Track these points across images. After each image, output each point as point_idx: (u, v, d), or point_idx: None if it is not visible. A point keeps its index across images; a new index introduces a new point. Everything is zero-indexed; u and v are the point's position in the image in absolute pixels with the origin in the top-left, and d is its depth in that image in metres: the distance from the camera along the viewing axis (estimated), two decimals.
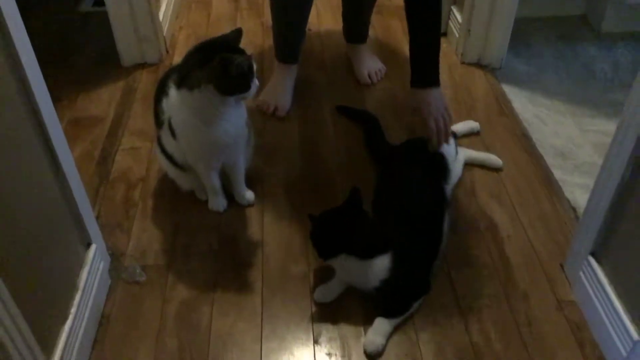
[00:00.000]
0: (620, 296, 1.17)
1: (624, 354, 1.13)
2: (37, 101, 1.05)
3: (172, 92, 1.31)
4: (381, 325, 1.23)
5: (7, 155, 0.98)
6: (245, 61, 1.23)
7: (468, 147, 1.66)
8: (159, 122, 1.41)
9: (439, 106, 1.44)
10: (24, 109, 1.04)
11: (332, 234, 1.23)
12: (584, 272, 1.27)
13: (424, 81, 1.46)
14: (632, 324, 1.12)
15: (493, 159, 1.63)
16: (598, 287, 1.22)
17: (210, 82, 1.24)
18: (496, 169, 1.62)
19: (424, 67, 1.46)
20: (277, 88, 1.85)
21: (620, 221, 1.17)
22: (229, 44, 1.29)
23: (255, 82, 1.29)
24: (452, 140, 1.54)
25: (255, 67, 1.28)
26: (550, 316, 1.27)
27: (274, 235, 1.47)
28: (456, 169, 1.55)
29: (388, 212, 1.35)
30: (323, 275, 1.34)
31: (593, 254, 1.25)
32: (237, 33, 1.30)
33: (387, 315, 1.24)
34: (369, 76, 1.95)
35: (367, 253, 1.22)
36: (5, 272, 0.89)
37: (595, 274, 1.23)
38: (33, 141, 1.07)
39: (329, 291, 1.30)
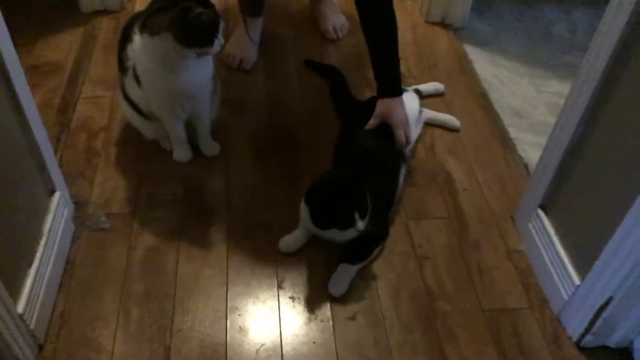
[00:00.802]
0: (565, 246, 1.25)
1: (566, 297, 1.22)
2: None
3: (136, 37, 1.29)
4: (345, 270, 1.28)
5: None
6: (208, 14, 1.21)
7: (430, 105, 1.71)
8: (123, 69, 1.39)
9: (402, 116, 1.50)
10: None
11: (339, 212, 1.21)
12: (532, 224, 1.35)
13: (387, 92, 1.50)
14: (575, 270, 1.21)
15: (452, 120, 1.68)
16: (545, 237, 1.30)
17: (169, 30, 1.22)
18: (454, 130, 1.68)
19: (386, 79, 1.51)
20: (243, 41, 1.84)
21: (568, 177, 1.24)
22: None
23: (220, 39, 1.27)
24: (416, 99, 1.59)
25: (222, 24, 1.26)
26: (500, 264, 1.36)
27: (238, 185, 1.49)
28: (417, 127, 1.60)
29: (349, 162, 1.40)
30: (286, 224, 1.38)
31: (542, 207, 1.33)
32: None
33: (351, 261, 1.29)
34: (334, 31, 1.95)
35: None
36: None
37: (543, 225, 1.31)
38: None
39: (294, 241, 1.35)
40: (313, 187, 1.27)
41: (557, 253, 1.26)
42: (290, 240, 1.35)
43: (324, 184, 1.26)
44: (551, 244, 1.28)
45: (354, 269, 1.29)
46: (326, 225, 1.25)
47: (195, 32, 1.23)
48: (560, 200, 1.28)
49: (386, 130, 1.49)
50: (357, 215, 1.20)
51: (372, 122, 1.50)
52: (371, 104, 1.60)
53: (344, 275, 1.28)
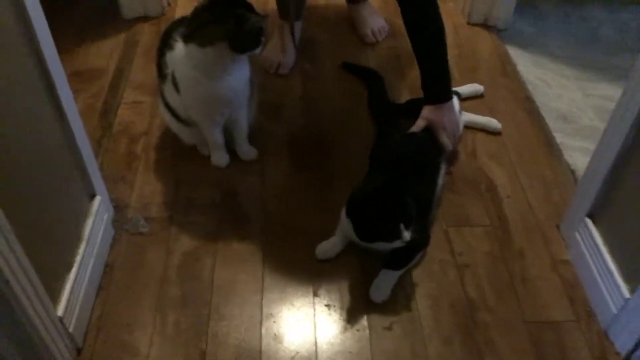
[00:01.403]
0: (614, 256, 1.19)
1: (614, 311, 1.16)
2: (42, 50, 1.04)
3: (179, 46, 1.30)
4: (387, 277, 1.26)
5: (14, 105, 0.98)
6: (259, 20, 1.24)
7: (471, 108, 1.67)
8: (161, 76, 1.41)
9: (454, 120, 1.46)
10: (31, 59, 1.04)
11: (384, 225, 1.19)
12: (579, 233, 1.29)
13: (437, 99, 1.46)
14: (624, 282, 1.15)
15: (493, 122, 1.64)
16: (593, 247, 1.24)
17: (225, 39, 1.24)
18: (495, 133, 1.63)
19: (435, 86, 1.46)
20: (280, 45, 1.84)
21: (619, 185, 1.18)
22: (240, 0, 1.28)
23: (262, 40, 1.30)
24: (456, 101, 1.54)
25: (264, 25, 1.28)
26: (545, 274, 1.30)
27: (274, 190, 1.48)
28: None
29: (386, 166, 1.37)
30: (321, 229, 1.36)
31: (590, 216, 1.27)
32: None
33: (394, 267, 1.27)
34: (373, 34, 1.93)
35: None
36: (13, 220, 0.91)
37: (591, 235, 1.25)
38: (39, 90, 1.07)
39: (331, 248, 1.33)
40: (354, 200, 1.23)
41: (605, 264, 1.20)
42: (327, 247, 1.33)
43: (365, 196, 1.22)
44: (599, 255, 1.22)
45: (396, 274, 1.27)
46: (372, 239, 1.23)
47: (248, 39, 1.26)
48: (610, 209, 1.22)
49: (426, 131, 1.45)
50: (402, 226, 1.17)
51: (419, 123, 1.45)
52: (409, 107, 1.58)
53: (386, 282, 1.25)
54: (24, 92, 1.02)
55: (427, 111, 1.46)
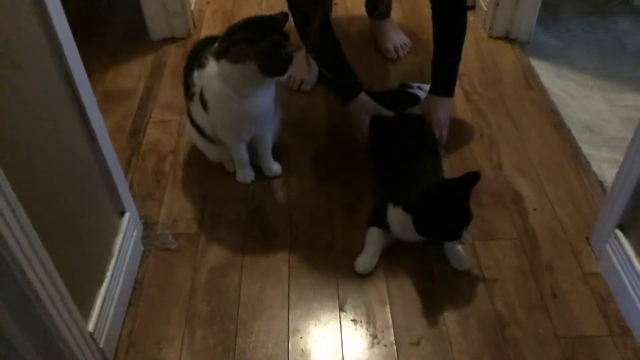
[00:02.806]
0: None
1: None
2: (72, 72, 1.08)
3: (211, 63, 1.32)
4: (454, 247, 1.33)
5: (45, 125, 1.01)
6: (293, 50, 1.27)
7: (496, 122, 1.66)
8: (189, 95, 1.43)
9: (442, 117, 1.57)
10: (61, 81, 1.07)
11: (452, 225, 1.22)
12: (610, 245, 1.27)
13: (439, 90, 1.58)
14: None
15: None
16: (625, 259, 1.22)
17: (256, 60, 1.26)
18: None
19: (442, 77, 1.58)
20: (303, 63, 1.85)
21: None
22: (277, 25, 1.31)
23: (290, 69, 1.32)
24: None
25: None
26: (575, 288, 1.28)
27: (300, 206, 1.49)
28: None
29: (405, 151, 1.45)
30: (349, 245, 1.37)
31: (620, 227, 1.25)
32: (284, 16, 1.33)
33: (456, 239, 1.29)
34: (395, 50, 1.94)
35: None
36: (45, 236, 0.93)
37: (622, 247, 1.23)
38: (69, 111, 1.10)
39: (370, 261, 1.33)
40: (423, 195, 1.23)
41: (638, 276, 1.18)
42: (366, 261, 1.33)
43: (433, 194, 1.23)
44: (632, 268, 1.20)
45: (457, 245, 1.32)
46: (434, 235, 1.25)
47: (278, 64, 1.29)
48: None
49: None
50: (465, 229, 1.21)
51: (414, 109, 1.57)
52: (384, 96, 1.64)
53: (458, 251, 1.32)
54: (55, 114, 1.05)
55: (427, 101, 1.56)
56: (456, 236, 1.22)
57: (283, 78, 1.33)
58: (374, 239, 1.34)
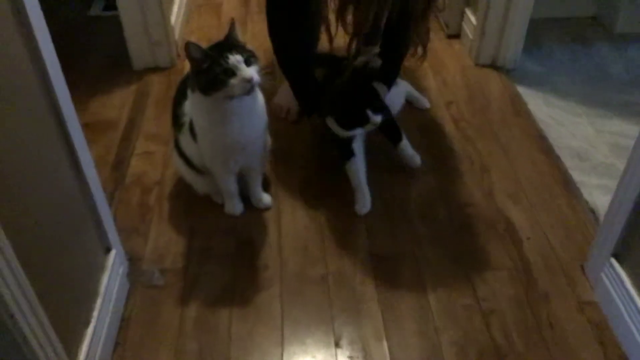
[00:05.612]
0: None
1: None
2: (59, 102, 1.04)
3: (189, 94, 1.31)
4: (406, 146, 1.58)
5: (30, 157, 0.97)
6: (222, 65, 1.18)
7: (485, 148, 1.66)
8: (178, 125, 1.41)
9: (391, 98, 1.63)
10: (47, 110, 1.03)
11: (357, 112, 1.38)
12: (605, 274, 1.26)
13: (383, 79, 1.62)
14: None
15: (424, 100, 1.84)
16: (620, 288, 1.21)
17: (197, 83, 1.24)
18: (423, 109, 1.84)
19: (387, 74, 1.62)
20: (289, 92, 1.84)
21: None
22: (225, 42, 1.25)
23: (244, 76, 1.20)
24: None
25: (238, 62, 1.20)
26: (572, 317, 1.26)
27: (291, 238, 1.46)
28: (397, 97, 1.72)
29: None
30: (341, 276, 1.34)
31: (615, 256, 1.24)
32: (231, 26, 1.25)
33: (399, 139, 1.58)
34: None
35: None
36: (31, 275, 0.89)
37: (618, 275, 1.22)
38: (54, 142, 1.06)
39: (368, 198, 1.50)
40: (328, 99, 1.44)
41: (635, 306, 1.17)
42: (365, 199, 1.50)
43: (336, 92, 1.43)
44: (628, 297, 1.19)
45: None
46: (350, 126, 1.42)
47: (201, 78, 1.23)
48: (636, 249, 1.19)
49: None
50: (370, 112, 1.36)
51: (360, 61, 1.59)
52: (326, 59, 1.70)
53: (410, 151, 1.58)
54: (41, 144, 1.02)
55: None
56: (373, 120, 1.36)
57: (230, 92, 1.21)
58: (355, 175, 1.49)
